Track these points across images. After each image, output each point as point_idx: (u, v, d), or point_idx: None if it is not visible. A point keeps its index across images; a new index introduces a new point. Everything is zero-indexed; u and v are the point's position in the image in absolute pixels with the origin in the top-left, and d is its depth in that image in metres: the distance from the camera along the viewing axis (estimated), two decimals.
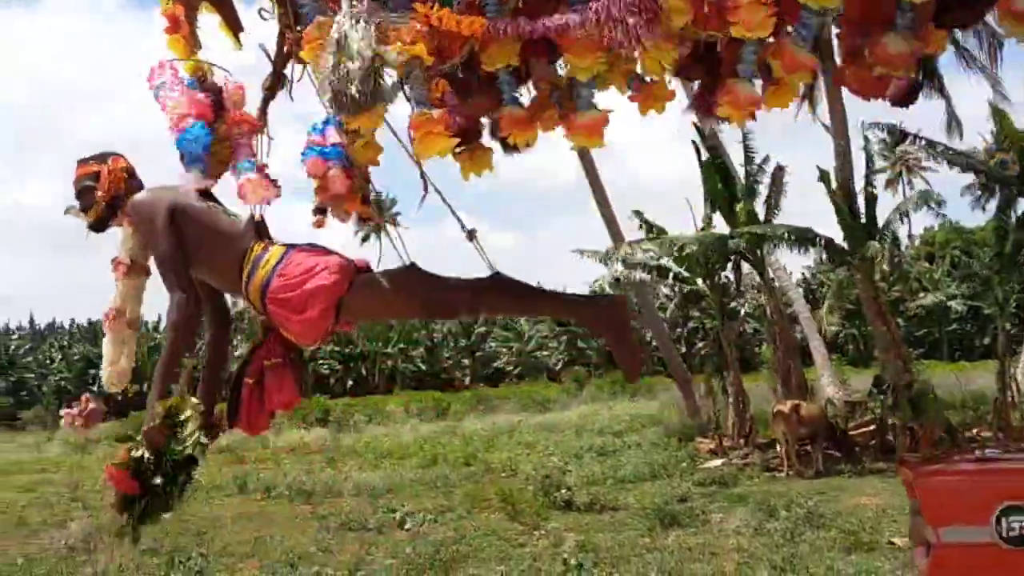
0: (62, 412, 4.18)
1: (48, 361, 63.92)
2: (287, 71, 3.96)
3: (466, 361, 64.06)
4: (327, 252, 3.83)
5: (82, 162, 4.03)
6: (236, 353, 4.64)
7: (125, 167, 4.02)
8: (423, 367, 63.56)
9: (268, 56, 3.92)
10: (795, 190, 23.51)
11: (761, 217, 20.40)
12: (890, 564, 9.21)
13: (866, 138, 19.99)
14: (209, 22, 4.07)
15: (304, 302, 3.68)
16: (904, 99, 3.60)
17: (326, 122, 3.92)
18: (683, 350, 41.66)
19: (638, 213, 22.19)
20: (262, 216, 3.98)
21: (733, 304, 22.03)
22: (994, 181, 20.59)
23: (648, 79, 3.36)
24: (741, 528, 11.69)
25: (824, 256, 19.61)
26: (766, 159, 20.72)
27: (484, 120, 3.75)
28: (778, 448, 17.51)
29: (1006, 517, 4.57)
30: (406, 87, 3.19)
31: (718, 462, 18.38)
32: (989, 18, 3.42)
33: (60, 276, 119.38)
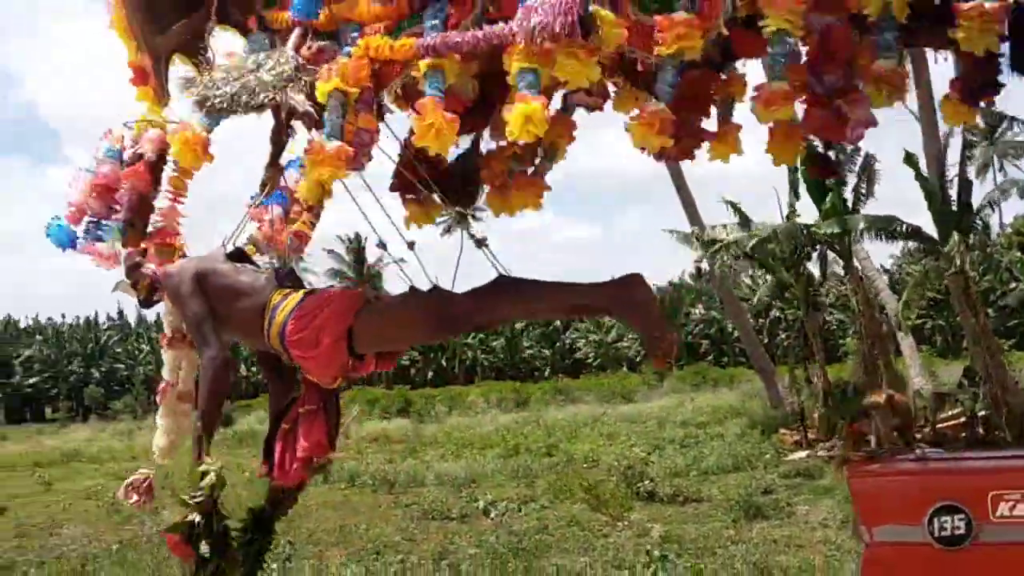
0: (120, 491, 4.35)
1: (137, 352, 65.29)
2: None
3: (546, 352, 64.07)
4: (341, 290, 3.95)
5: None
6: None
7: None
8: (503, 358, 63.72)
9: (275, 111, 3.89)
10: (884, 178, 22.99)
11: (850, 206, 20.03)
12: None
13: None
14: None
15: (316, 337, 3.75)
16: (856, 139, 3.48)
17: (290, 163, 4.14)
18: (765, 341, 41.17)
19: (730, 203, 21.96)
20: (292, 268, 4.19)
21: (818, 294, 21.63)
22: None
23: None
24: (828, 520, 11.53)
25: (911, 246, 19.21)
26: (856, 147, 20.33)
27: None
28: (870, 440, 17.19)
29: (939, 517, 4.57)
30: (326, 114, 3.30)
31: (803, 454, 18.13)
32: None
33: None
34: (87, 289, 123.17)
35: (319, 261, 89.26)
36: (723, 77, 3.62)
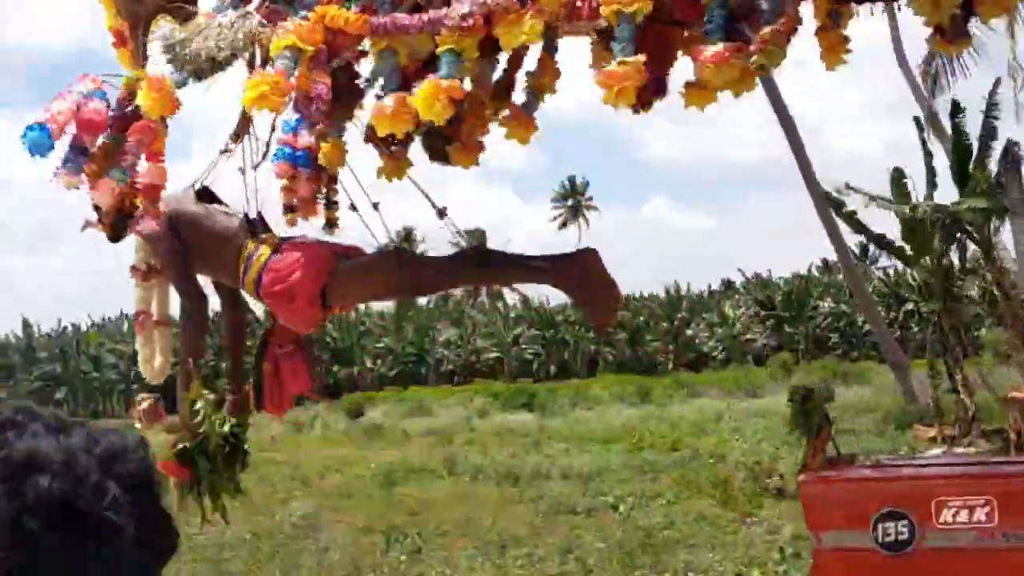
0: (133, 412, 4.54)
1: (214, 347, 66.93)
2: None
3: (669, 346, 63.48)
4: (314, 243, 4.09)
5: None
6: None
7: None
8: (626, 351, 63.37)
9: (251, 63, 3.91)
10: None
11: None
12: None
13: None
14: None
15: (291, 293, 3.91)
16: None
17: (298, 121, 4.13)
18: (897, 334, 40.04)
19: (852, 188, 21.34)
20: (259, 213, 4.23)
21: (957, 286, 20.88)
22: None
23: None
24: None
25: None
26: (994, 134, 19.54)
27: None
28: (1010, 436, 16.57)
29: (883, 523, 4.66)
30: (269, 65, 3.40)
31: (939, 450, 17.53)
32: None
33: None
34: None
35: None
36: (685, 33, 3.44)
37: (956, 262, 21.78)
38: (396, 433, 30.43)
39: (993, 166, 19.73)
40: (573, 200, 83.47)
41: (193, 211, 4.23)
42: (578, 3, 3.19)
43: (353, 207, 4.31)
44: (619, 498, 13.99)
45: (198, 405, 4.06)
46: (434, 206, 4.18)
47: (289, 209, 4.37)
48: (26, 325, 74.54)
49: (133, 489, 1.22)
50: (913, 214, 19.30)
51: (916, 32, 3.23)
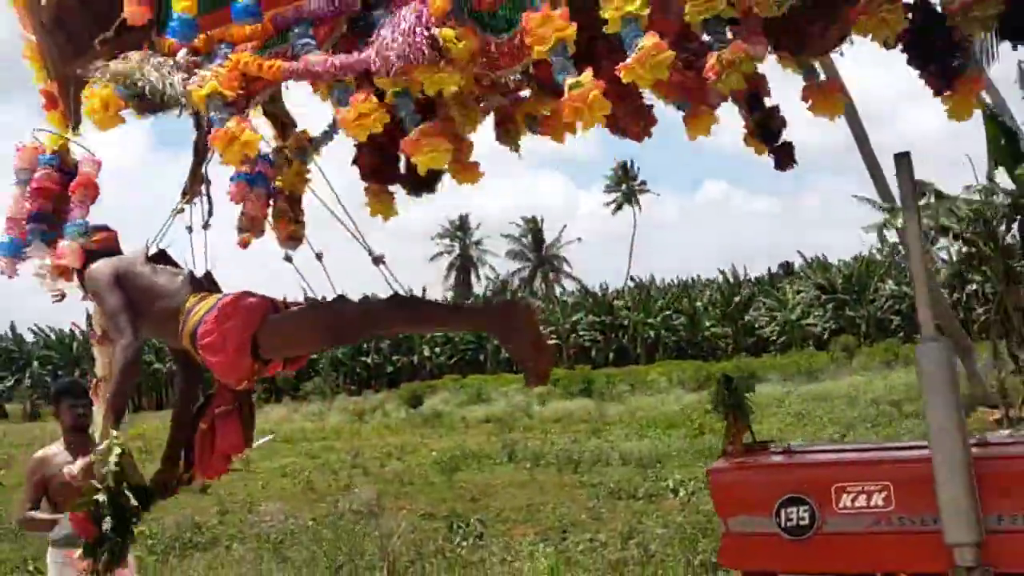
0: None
1: None
2: None
3: (728, 330, 63.04)
4: (250, 296, 4.13)
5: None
6: None
7: (90, 246, 4.37)
8: (684, 336, 63.06)
9: (198, 122, 4.20)
10: None
11: None
12: None
13: None
14: None
15: (223, 343, 3.99)
16: None
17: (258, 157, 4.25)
18: (961, 316, 39.38)
19: (924, 184, 21.01)
20: (208, 272, 4.38)
21: (1017, 266, 20.51)
22: None
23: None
24: None
25: None
26: None
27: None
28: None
29: (785, 509, 4.82)
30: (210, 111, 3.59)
31: (1005, 432, 17.23)
32: None
33: (330, 258, 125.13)
34: (273, 278, 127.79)
35: (497, 244, 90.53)
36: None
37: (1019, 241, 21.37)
38: (455, 420, 30.60)
39: None
40: (626, 185, 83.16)
41: (139, 270, 4.34)
42: (493, 51, 3.39)
43: (288, 259, 4.56)
44: (680, 483, 13.93)
45: (113, 455, 4.03)
46: (370, 253, 4.31)
47: (243, 230, 4.55)
48: (89, 318, 75.81)
49: None
50: (976, 195, 18.99)
51: None
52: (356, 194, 4.52)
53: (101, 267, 4.32)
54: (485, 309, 4.18)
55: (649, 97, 4.15)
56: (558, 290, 74.89)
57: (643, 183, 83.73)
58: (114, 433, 4.06)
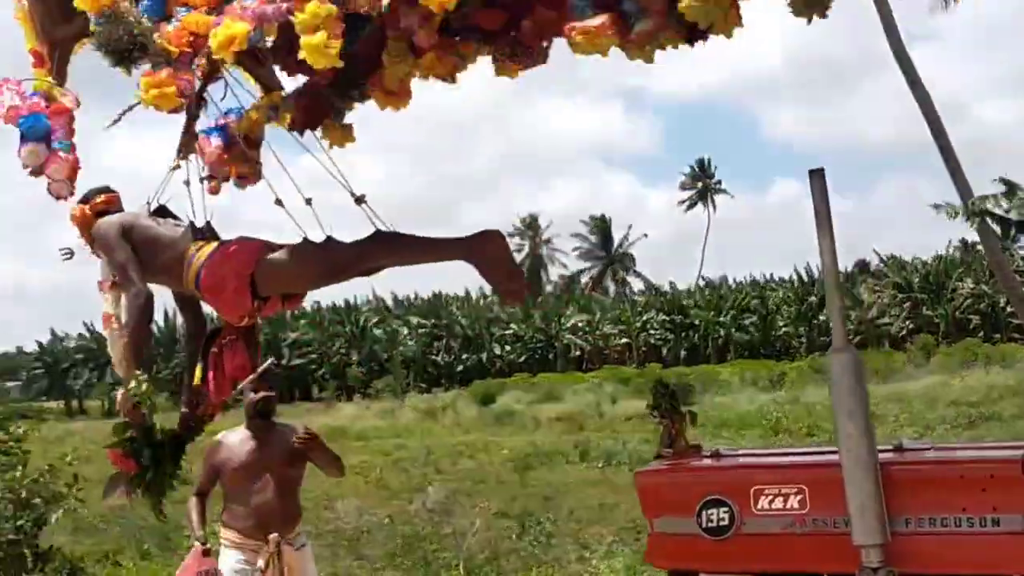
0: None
1: (396, 334, 67.85)
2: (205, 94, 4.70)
3: (801, 330, 62.27)
4: (248, 240, 4.43)
5: (80, 201, 4.73)
6: None
7: (96, 207, 4.72)
8: (756, 335, 62.44)
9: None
10: None
11: None
12: None
13: None
14: None
15: (222, 284, 4.31)
16: None
17: (229, 111, 4.78)
18: None
19: (1005, 181, 20.60)
20: (207, 222, 4.64)
21: None
22: None
23: None
24: None
25: None
26: None
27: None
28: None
29: (707, 510, 5.04)
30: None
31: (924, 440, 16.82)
32: None
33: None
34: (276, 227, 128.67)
35: (566, 242, 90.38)
36: None
37: None
38: (526, 419, 30.58)
39: None
40: (702, 183, 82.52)
41: (144, 223, 4.64)
42: None
43: (279, 202, 4.65)
44: None
45: (134, 389, 4.39)
46: (352, 194, 4.52)
47: (209, 178, 4.85)
48: (166, 317, 77.16)
49: None
50: None
51: None
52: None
53: (108, 222, 4.64)
54: (460, 240, 4.33)
55: None
56: (627, 289, 74.53)
57: (719, 182, 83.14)
58: (137, 372, 4.41)
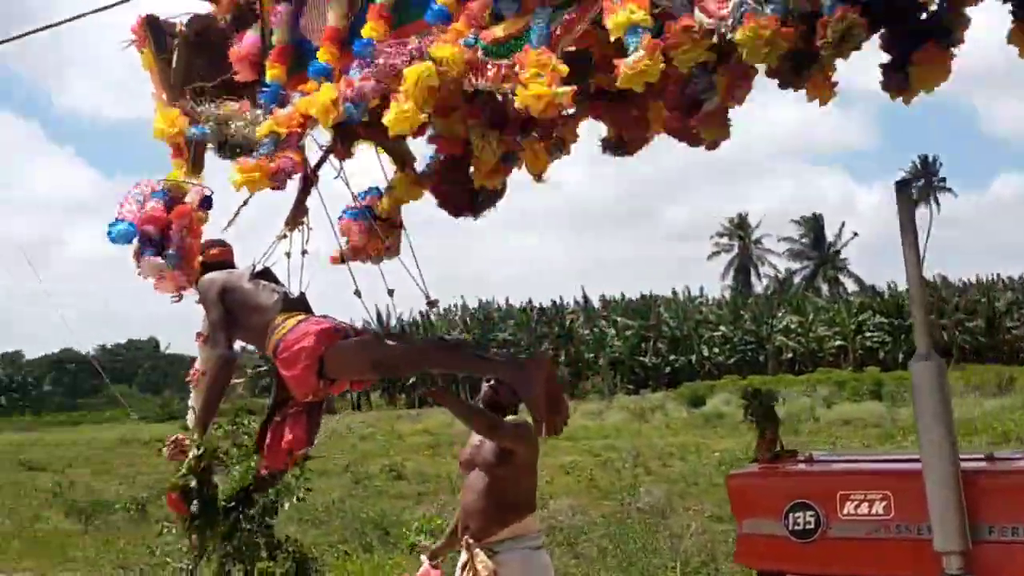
0: (167, 441, 5.03)
1: (602, 335, 67.86)
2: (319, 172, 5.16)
3: None
4: (327, 322, 4.72)
5: None
6: None
7: (208, 258, 5.09)
8: (982, 339, 59.44)
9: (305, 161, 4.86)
10: None
11: None
12: None
13: None
14: None
15: (295, 360, 4.59)
16: None
17: (368, 191, 5.24)
18: None
19: None
20: (302, 293, 5.01)
21: None
22: None
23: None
24: None
25: None
26: None
27: None
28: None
29: (793, 513, 5.17)
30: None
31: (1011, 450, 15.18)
32: None
33: (611, 253, 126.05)
34: (551, 276, 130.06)
35: (775, 243, 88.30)
36: None
37: None
38: (737, 421, 30.02)
39: None
40: (925, 180, 79.08)
41: (243, 286, 4.97)
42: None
43: (357, 293, 5.17)
44: None
45: (194, 452, 4.74)
46: (426, 297, 5.07)
47: (343, 257, 5.27)
48: (379, 317, 79.51)
49: None
50: None
51: None
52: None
53: (211, 280, 4.99)
54: (511, 363, 4.59)
55: None
56: (840, 289, 72.23)
57: (943, 179, 79.66)
58: (195, 436, 4.80)
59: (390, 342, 4.68)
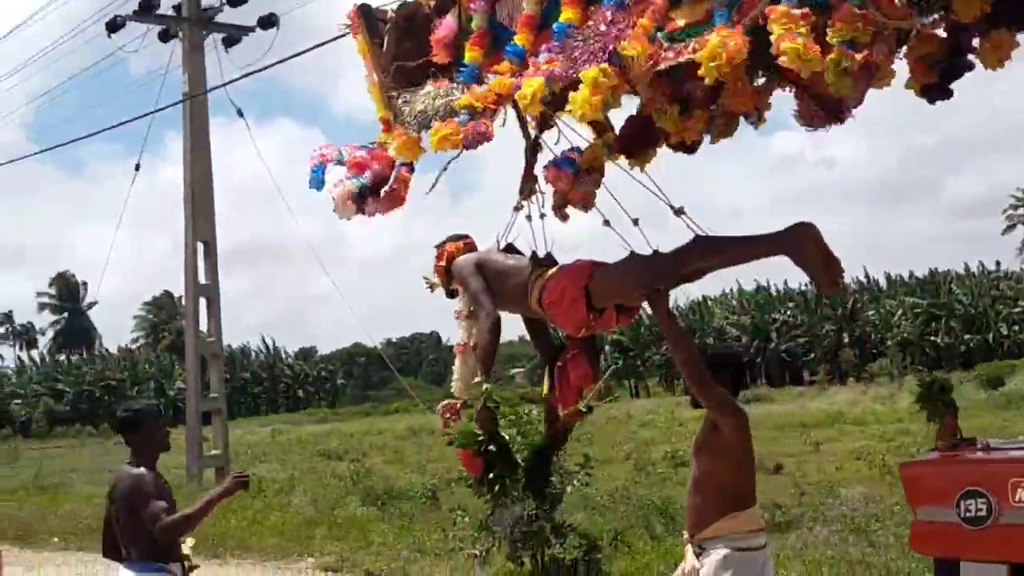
0: (438, 410, 5.49)
1: (889, 315, 65.03)
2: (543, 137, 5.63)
3: None
4: (578, 262, 5.10)
5: (440, 245, 5.78)
6: None
7: (459, 248, 5.67)
8: None
9: (525, 133, 5.65)
10: None
11: None
12: None
13: None
14: None
15: (561, 297, 5.00)
16: None
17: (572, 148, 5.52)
18: None
19: None
20: (548, 252, 5.43)
21: None
22: None
23: None
24: None
25: None
26: None
27: None
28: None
29: (965, 500, 5.25)
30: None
31: None
32: None
33: (891, 230, 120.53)
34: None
35: None
36: None
37: None
38: None
39: None
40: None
41: (495, 258, 5.51)
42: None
43: (606, 222, 5.39)
44: None
45: (479, 389, 5.20)
46: (670, 205, 5.07)
47: (557, 207, 5.57)
48: None
49: None
50: None
51: None
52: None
53: (465, 259, 5.55)
54: (774, 235, 4.68)
55: None
56: None
57: None
58: (485, 386, 5.19)
59: (651, 256, 4.88)
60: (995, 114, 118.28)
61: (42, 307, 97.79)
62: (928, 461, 6.09)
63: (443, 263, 5.69)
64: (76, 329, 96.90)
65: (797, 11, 3.72)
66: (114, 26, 22.76)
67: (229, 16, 23.45)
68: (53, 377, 80.00)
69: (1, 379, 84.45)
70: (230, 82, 21.73)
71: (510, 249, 5.63)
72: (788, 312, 67.81)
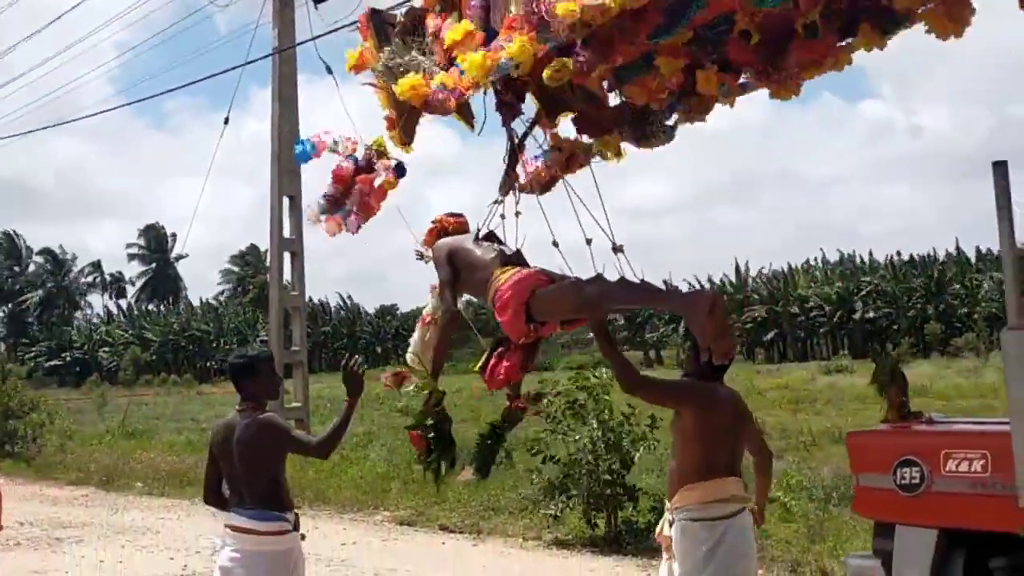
0: (383, 377, 6.18)
1: (976, 289, 63.70)
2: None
3: None
4: (533, 272, 5.40)
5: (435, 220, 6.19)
6: None
7: (452, 223, 6.10)
8: None
9: (509, 135, 6.08)
10: None
11: None
12: None
13: None
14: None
15: (505, 307, 5.29)
16: None
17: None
18: None
19: None
20: (518, 250, 5.78)
21: None
22: None
23: None
24: None
25: None
26: None
27: None
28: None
29: (901, 469, 5.69)
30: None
31: None
32: None
33: (971, 203, 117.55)
34: (922, 229, 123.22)
35: None
36: None
37: None
38: None
39: None
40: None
41: (466, 247, 5.78)
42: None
43: (555, 244, 5.82)
44: None
45: (425, 383, 5.83)
46: (612, 242, 5.53)
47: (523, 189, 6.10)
48: (738, 270, 78.68)
49: None
50: None
51: None
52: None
53: (440, 246, 5.88)
54: (681, 296, 5.27)
55: None
56: None
57: None
58: (428, 379, 5.83)
59: (589, 287, 5.12)
60: None
61: (131, 257, 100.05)
62: (871, 431, 6.58)
63: (433, 238, 6.10)
64: (164, 280, 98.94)
65: None
66: None
67: None
68: (140, 326, 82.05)
69: (90, 327, 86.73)
70: (320, 35, 21.73)
71: (490, 237, 6.00)
72: (872, 283, 66.72)
